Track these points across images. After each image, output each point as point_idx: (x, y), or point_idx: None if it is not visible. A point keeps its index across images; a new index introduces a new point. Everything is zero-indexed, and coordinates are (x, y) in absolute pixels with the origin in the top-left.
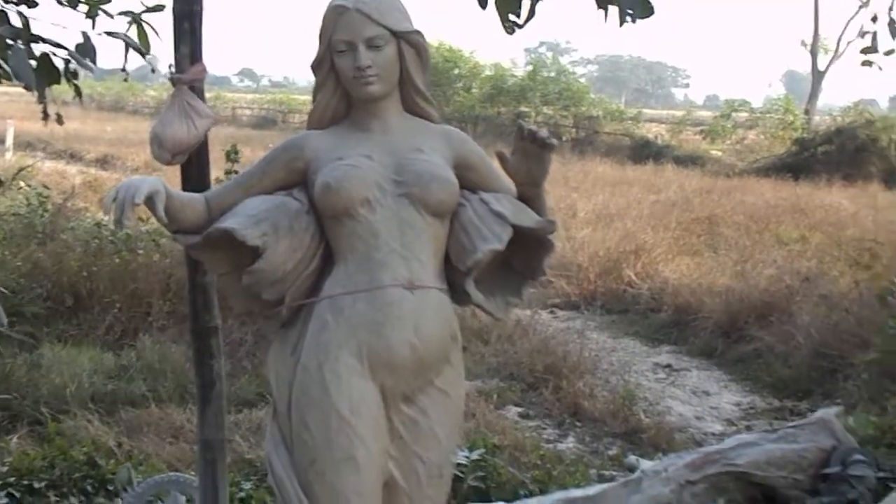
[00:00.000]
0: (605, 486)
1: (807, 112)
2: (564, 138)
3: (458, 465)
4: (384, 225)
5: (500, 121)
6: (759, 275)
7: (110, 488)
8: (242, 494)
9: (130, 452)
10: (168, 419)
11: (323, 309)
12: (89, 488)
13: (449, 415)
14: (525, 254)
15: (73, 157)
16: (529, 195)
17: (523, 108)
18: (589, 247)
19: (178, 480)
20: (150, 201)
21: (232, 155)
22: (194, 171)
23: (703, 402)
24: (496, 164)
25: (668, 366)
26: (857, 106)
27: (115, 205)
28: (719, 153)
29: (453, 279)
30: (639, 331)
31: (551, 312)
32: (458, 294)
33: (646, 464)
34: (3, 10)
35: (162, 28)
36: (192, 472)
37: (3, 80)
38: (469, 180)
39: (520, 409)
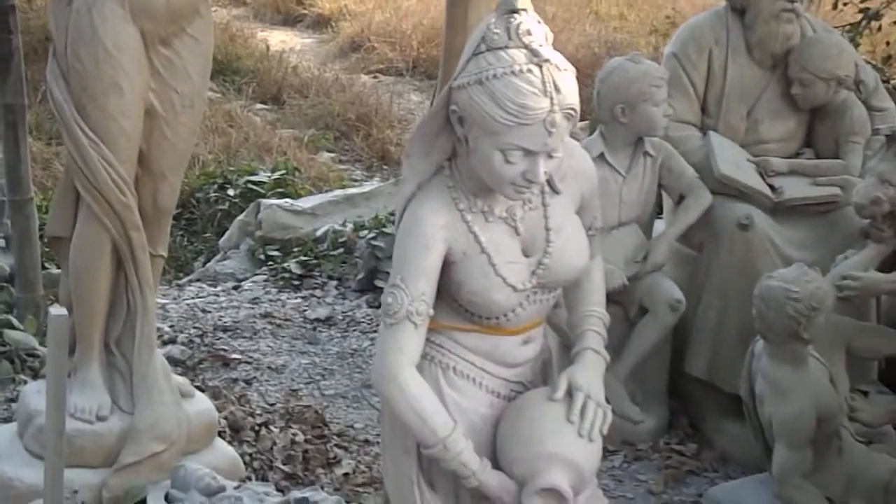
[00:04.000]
0: (380, 183)
1: None
2: None
3: (261, 182)
4: None
5: None
6: (568, 42)
7: None
8: None
9: None
10: None
11: None
12: None
13: (199, 57)
14: None
15: None
16: None
17: None
18: (414, 16)
19: None
20: None
21: None
22: None
23: None
24: None
25: None
26: None
27: None
28: None
29: None
30: None
31: (374, 77)
32: None
33: None
34: None
35: None
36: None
37: None
38: None
39: (332, 155)
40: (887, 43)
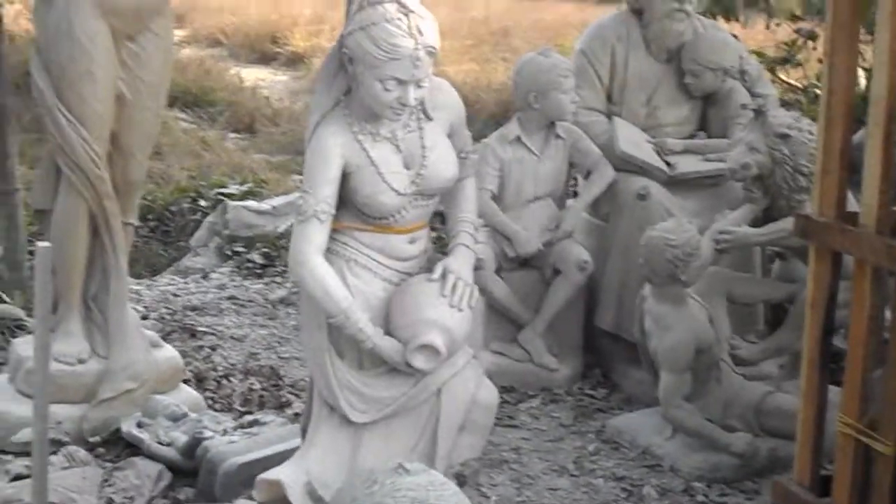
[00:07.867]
0: None
1: None
2: None
3: (231, 194)
4: None
5: None
6: None
7: None
8: None
9: None
10: None
11: None
12: None
13: (161, 50)
14: None
15: None
16: None
17: None
18: None
19: None
20: None
21: None
22: None
23: None
24: None
25: None
26: None
27: None
28: None
29: None
30: None
31: None
32: None
33: None
34: None
35: None
36: None
37: None
38: None
39: (302, 177)
40: (819, 61)
